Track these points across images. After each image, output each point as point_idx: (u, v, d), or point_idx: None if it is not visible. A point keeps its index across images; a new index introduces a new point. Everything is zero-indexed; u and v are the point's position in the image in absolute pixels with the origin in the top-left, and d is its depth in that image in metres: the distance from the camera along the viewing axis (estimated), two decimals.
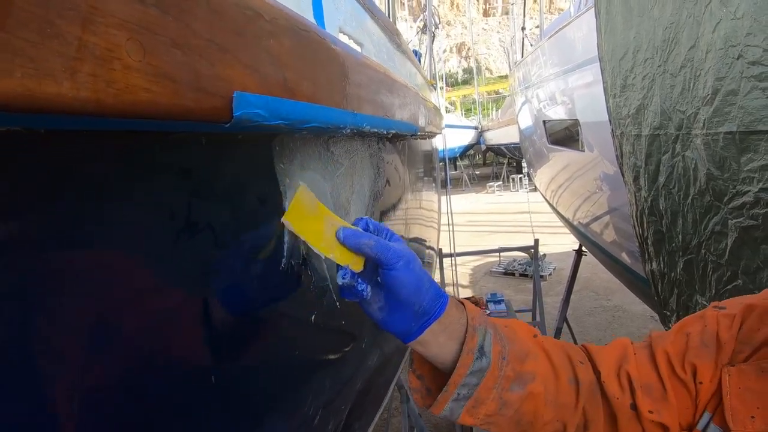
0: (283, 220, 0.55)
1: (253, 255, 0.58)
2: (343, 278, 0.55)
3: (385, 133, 0.89)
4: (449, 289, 4.38)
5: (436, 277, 3.70)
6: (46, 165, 0.33)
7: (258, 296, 0.61)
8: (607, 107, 2.11)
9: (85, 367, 0.38)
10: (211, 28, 0.36)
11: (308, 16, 0.76)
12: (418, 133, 1.24)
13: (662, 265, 1.90)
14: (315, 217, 0.58)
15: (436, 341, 0.57)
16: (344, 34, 0.97)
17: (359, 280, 0.56)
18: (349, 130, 0.67)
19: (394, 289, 0.55)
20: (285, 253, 0.61)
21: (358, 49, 1.10)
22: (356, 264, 0.56)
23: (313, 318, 0.74)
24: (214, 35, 0.37)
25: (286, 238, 0.61)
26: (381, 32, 1.31)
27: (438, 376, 0.59)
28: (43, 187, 0.33)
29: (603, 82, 2.12)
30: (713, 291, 1.49)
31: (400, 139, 1.23)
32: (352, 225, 0.59)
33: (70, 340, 0.36)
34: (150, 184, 0.42)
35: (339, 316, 0.88)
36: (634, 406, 0.56)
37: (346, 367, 1.05)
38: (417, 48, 4.98)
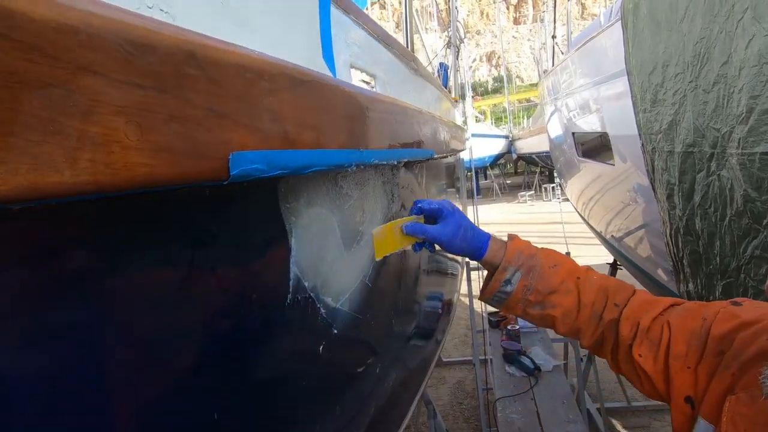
0: (377, 259, 0.82)
1: (260, 294, 0.60)
2: (415, 250, 0.85)
3: (396, 163, 0.91)
4: (477, 303, 4.31)
5: (464, 289, 3.64)
6: (53, 231, 0.36)
7: (267, 331, 0.64)
8: (637, 121, 2.04)
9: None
10: (209, 97, 0.39)
11: (317, 54, 0.78)
12: (435, 157, 1.24)
13: (700, 288, 1.81)
14: (389, 236, 0.82)
15: (487, 267, 0.85)
16: (356, 68, 1.00)
17: (426, 244, 0.85)
18: (355, 168, 0.69)
19: (446, 251, 0.84)
20: (291, 289, 0.64)
21: (371, 81, 1.12)
22: (416, 239, 0.84)
23: (322, 347, 0.76)
24: (212, 103, 0.39)
25: (291, 275, 0.63)
26: (396, 60, 1.33)
27: (487, 281, 0.86)
28: (49, 250, 0.37)
29: (632, 96, 2.06)
30: None
31: (416, 162, 1.24)
32: (409, 216, 0.85)
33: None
34: (155, 235, 0.45)
35: (351, 342, 0.89)
36: (631, 347, 0.72)
37: (364, 387, 1.05)
38: (444, 61, 4.98)
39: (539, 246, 0.87)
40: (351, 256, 0.82)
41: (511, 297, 0.81)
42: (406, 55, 1.45)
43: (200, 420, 0.53)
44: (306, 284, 0.66)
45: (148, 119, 0.33)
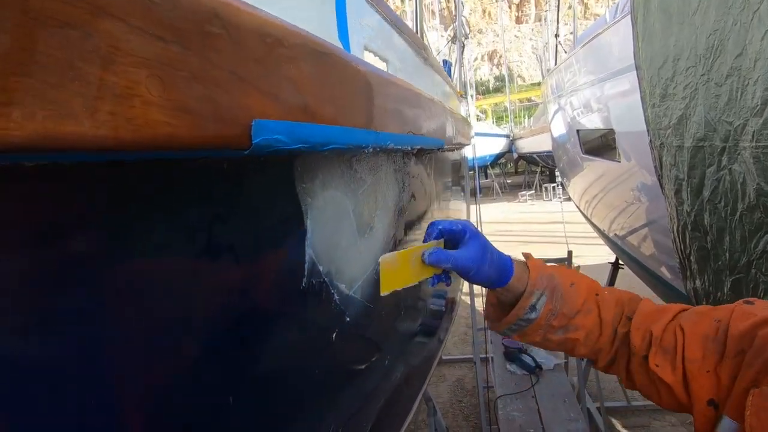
0: (382, 294, 0.67)
1: (275, 275, 0.58)
2: (431, 284, 0.73)
3: (410, 149, 0.88)
4: (478, 300, 4.31)
5: (465, 289, 3.64)
6: (69, 194, 0.34)
7: (281, 315, 0.62)
8: (645, 117, 2.02)
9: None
10: (231, 59, 0.37)
11: (332, 34, 0.76)
12: (445, 147, 1.22)
13: (707, 284, 1.79)
14: (402, 266, 0.69)
15: (503, 296, 0.76)
16: (369, 51, 0.98)
17: (443, 276, 0.73)
18: (371, 149, 0.67)
19: (470, 281, 0.73)
20: (306, 272, 0.62)
21: (384, 65, 1.10)
22: (437, 270, 0.71)
23: (335, 334, 0.74)
24: (234, 66, 0.37)
25: (306, 258, 0.61)
26: (407, 47, 1.31)
27: (501, 309, 0.78)
28: (67, 215, 0.34)
29: (640, 91, 2.04)
30: None
31: (426, 152, 1.22)
32: (427, 242, 0.71)
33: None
34: (172, 207, 0.43)
35: (363, 331, 0.87)
36: (646, 357, 0.69)
37: (371, 380, 1.04)
38: (447, 58, 4.96)
39: (550, 258, 0.83)
40: (364, 243, 0.80)
41: (533, 324, 0.73)
42: (417, 42, 1.43)
43: (214, 402, 0.51)
44: (321, 268, 0.64)
45: (170, 75, 0.31)
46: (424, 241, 0.71)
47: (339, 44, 0.79)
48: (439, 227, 0.71)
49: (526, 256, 0.79)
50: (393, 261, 0.68)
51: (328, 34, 0.76)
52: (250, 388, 0.57)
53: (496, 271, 0.72)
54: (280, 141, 0.43)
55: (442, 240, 0.72)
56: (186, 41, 0.32)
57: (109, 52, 0.27)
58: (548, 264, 0.79)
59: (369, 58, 0.99)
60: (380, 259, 0.66)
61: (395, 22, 1.14)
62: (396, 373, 1.26)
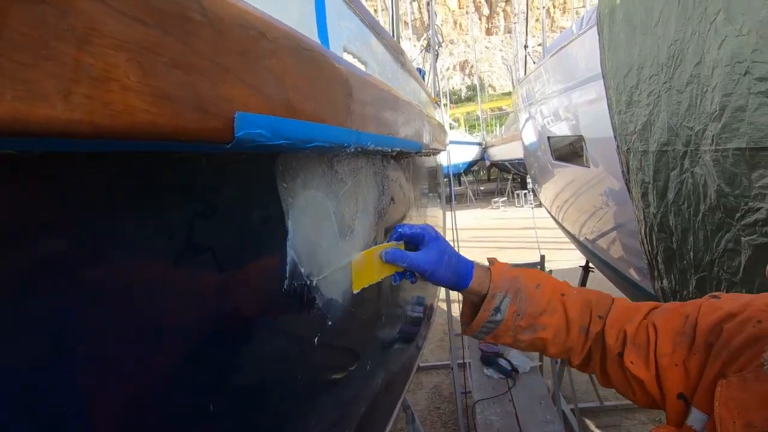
0: (354, 291, 0.73)
1: (255, 276, 0.56)
2: (394, 281, 0.78)
3: (389, 150, 0.88)
4: (454, 306, 4.34)
5: (442, 295, 3.66)
6: (41, 186, 0.32)
7: (260, 318, 0.60)
8: (612, 123, 2.10)
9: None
10: (213, 48, 0.36)
11: (312, 35, 0.76)
12: (423, 150, 1.23)
13: (673, 283, 1.86)
14: (367, 264, 0.74)
15: (468, 300, 0.80)
16: (348, 53, 0.98)
17: (407, 274, 0.77)
18: (353, 149, 0.66)
19: (429, 280, 0.77)
20: (287, 274, 0.60)
21: (362, 67, 1.10)
22: (396, 268, 0.76)
23: (317, 339, 0.72)
24: (216, 55, 0.36)
25: (288, 259, 0.60)
26: (385, 51, 1.32)
27: (472, 313, 0.80)
28: (38, 208, 0.32)
29: (607, 99, 2.12)
30: None
31: (404, 156, 1.22)
32: (388, 242, 0.78)
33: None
34: (148, 204, 0.41)
35: (344, 336, 0.86)
36: (621, 354, 0.71)
37: (351, 387, 1.02)
38: (421, 66, 5.03)
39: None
40: (346, 245, 0.79)
41: (501, 325, 0.76)
42: (395, 48, 1.44)
43: (190, 408, 0.48)
44: (302, 270, 0.63)
45: (150, 60, 0.29)
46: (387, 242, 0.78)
47: (320, 43, 0.78)
48: (400, 230, 0.78)
49: (491, 260, 0.82)
50: (360, 259, 0.74)
51: (309, 34, 0.75)
52: (228, 394, 0.54)
53: (454, 274, 0.76)
54: (262, 136, 0.42)
55: (402, 242, 0.78)
56: (167, 26, 0.31)
57: (86, 32, 0.25)
58: (516, 267, 0.81)
59: (348, 59, 0.99)
60: (352, 261, 0.73)
61: (374, 26, 1.15)
62: (377, 379, 1.25)
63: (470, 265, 0.79)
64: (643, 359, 0.69)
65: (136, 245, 0.41)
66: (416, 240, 0.77)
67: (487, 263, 0.82)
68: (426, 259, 0.74)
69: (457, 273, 0.76)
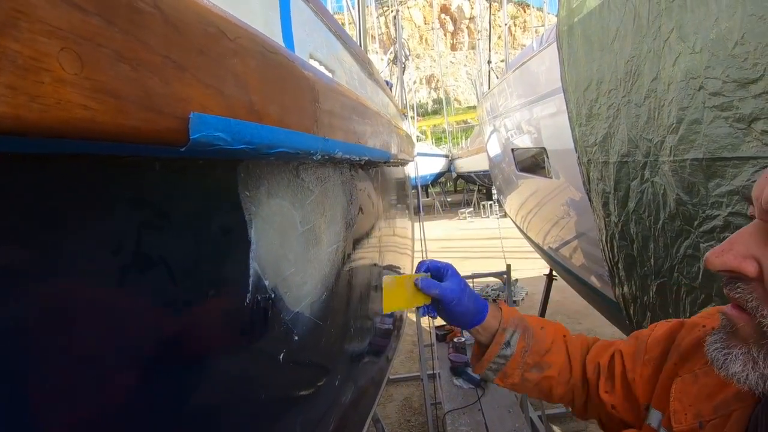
0: (384, 313, 0.74)
1: (216, 290, 0.52)
2: (421, 313, 0.82)
3: (357, 159, 0.86)
4: (423, 318, 4.32)
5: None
6: None
7: (221, 335, 0.56)
8: (573, 136, 2.17)
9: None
10: (167, 43, 0.33)
11: (277, 38, 0.73)
12: (391, 160, 1.22)
13: (634, 289, 1.92)
14: (399, 289, 0.78)
15: (480, 336, 0.83)
16: (315, 59, 0.96)
17: (431, 310, 0.83)
18: (320, 156, 0.64)
19: (451, 314, 0.81)
20: (250, 288, 0.56)
21: (330, 75, 1.08)
22: (426, 299, 0.80)
23: (282, 355, 0.68)
24: (170, 51, 0.33)
25: (251, 271, 0.56)
26: (353, 60, 1.31)
27: (480, 350, 0.85)
28: None
29: (568, 112, 2.20)
30: (687, 313, 1.51)
31: (372, 165, 1.21)
32: (417, 273, 0.83)
33: None
34: (93, 214, 0.37)
35: (312, 350, 0.82)
36: (597, 386, 0.76)
37: (319, 403, 0.98)
38: (388, 79, 5.07)
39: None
40: (313, 257, 0.76)
41: (510, 362, 0.80)
42: (362, 57, 1.43)
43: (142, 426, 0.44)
44: (267, 283, 0.59)
45: (91, 52, 0.26)
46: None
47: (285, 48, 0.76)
48: (427, 264, 0.85)
49: (498, 302, 0.88)
50: (393, 283, 0.78)
51: (273, 38, 0.72)
52: (186, 418, 0.50)
53: (474, 305, 0.81)
54: (221, 139, 0.39)
55: (429, 274, 0.84)
56: (110, 15, 0.27)
57: (11, 15, 0.22)
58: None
59: (315, 65, 0.97)
60: (383, 279, 0.77)
61: (340, 34, 1.13)
62: (346, 394, 1.21)
63: (485, 300, 0.85)
64: (612, 385, 0.74)
65: (78, 259, 0.36)
66: (440, 273, 0.83)
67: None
68: (452, 287, 0.80)
69: (476, 305, 0.82)
